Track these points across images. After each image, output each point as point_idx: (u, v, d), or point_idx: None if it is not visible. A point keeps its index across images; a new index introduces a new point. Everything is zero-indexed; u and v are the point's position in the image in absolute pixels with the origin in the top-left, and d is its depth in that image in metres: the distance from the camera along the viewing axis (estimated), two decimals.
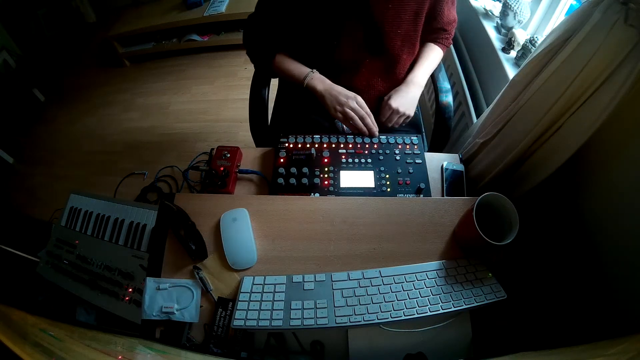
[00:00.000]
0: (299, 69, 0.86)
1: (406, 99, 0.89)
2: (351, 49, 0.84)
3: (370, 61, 0.86)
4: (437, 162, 0.83)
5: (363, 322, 0.57)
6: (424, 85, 0.92)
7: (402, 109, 0.88)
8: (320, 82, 0.84)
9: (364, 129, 0.83)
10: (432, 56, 0.94)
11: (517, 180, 0.77)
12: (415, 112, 0.99)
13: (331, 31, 0.81)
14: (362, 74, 0.88)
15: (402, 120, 0.89)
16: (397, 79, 0.92)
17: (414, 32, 0.85)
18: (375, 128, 0.83)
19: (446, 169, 0.81)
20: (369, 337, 0.60)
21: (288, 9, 0.81)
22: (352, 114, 0.81)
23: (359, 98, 0.83)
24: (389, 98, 0.89)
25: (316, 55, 0.86)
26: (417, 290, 0.60)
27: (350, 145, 0.82)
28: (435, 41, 0.95)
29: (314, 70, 0.85)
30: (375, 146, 0.82)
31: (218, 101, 2.05)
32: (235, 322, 0.57)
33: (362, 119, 0.82)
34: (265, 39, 0.89)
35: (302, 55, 0.87)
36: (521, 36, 1.01)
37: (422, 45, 0.93)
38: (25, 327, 0.46)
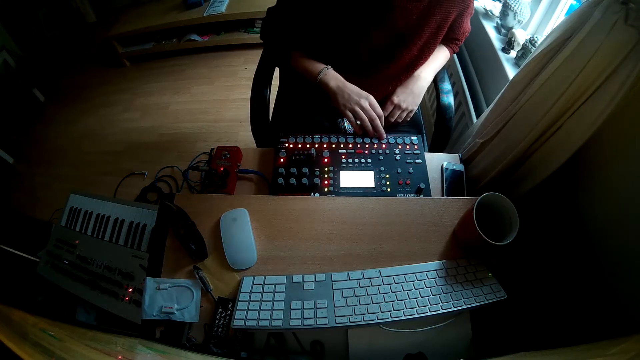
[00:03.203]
0: (313, 64, 0.85)
1: (410, 94, 0.89)
2: (368, 55, 0.84)
3: (385, 69, 0.86)
4: (437, 162, 0.83)
5: (363, 322, 0.57)
6: (430, 80, 0.92)
7: (404, 105, 0.88)
8: (333, 79, 0.83)
9: (371, 130, 0.82)
10: (440, 56, 0.94)
11: (517, 180, 0.77)
12: (415, 112, 0.99)
13: (352, 36, 0.81)
14: (374, 79, 0.88)
15: (404, 115, 0.89)
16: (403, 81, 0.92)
17: (432, 44, 0.85)
18: (383, 130, 0.83)
19: (446, 169, 0.81)
20: (369, 337, 0.60)
21: (311, 10, 0.81)
22: (362, 114, 0.81)
23: (372, 98, 0.83)
24: (393, 92, 0.89)
25: (333, 56, 0.86)
26: (417, 290, 0.60)
27: (350, 145, 0.82)
28: (446, 44, 0.95)
29: (329, 66, 0.85)
30: (375, 146, 0.82)
31: (218, 101, 2.05)
32: (235, 322, 0.57)
33: (372, 120, 0.82)
34: (285, 34, 0.89)
35: (319, 53, 0.87)
36: (521, 36, 1.01)
37: None
38: (25, 327, 0.46)
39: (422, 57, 0.87)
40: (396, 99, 0.88)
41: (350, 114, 0.82)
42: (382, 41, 0.82)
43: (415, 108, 0.90)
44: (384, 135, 0.83)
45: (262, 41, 0.95)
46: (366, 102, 0.82)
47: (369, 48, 0.83)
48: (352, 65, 0.86)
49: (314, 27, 0.83)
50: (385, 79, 0.89)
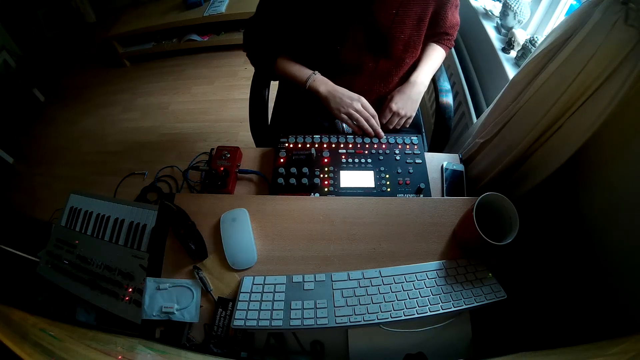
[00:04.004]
0: (301, 71, 0.85)
1: (407, 100, 0.88)
2: (355, 53, 0.83)
3: (373, 65, 0.86)
4: (437, 162, 0.83)
5: (363, 322, 0.57)
6: (427, 84, 0.91)
7: (402, 112, 0.87)
8: (322, 84, 0.83)
9: (370, 130, 0.82)
10: (435, 56, 0.93)
11: (517, 180, 0.77)
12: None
13: (334, 36, 0.81)
14: (364, 78, 0.88)
15: (403, 121, 0.89)
16: (399, 82, 0.92)
17: (417, 37, 0.85)
18: (380, 129, 0.83)
19: (446, 169, 0.81)
20: (369, 337, 0.60)
21: (290, 14, 0.81)
22: (357, 115, 0.81)
23: (363, 99, 0.83)
24: (390, 100, 0.88)
25: (318, 58, 0.86)
26: (417, 290, 0.60)
27: (350, 145, 0.82)
28: (438, 42, 0.94)
29: (316, 72, 0.84)
30: (375, 146, 0.82)
31: (218, 101, 2.05)
32: (235, 322, 0.57)
33: (367, 120, 0.82)
34: (267, 42, 0.88)
35: (304, 58, 0.87)
36: (521, 36, 1.01)
37: (425, 45, 0.93)
38: (25, 327, 0.46)
39: (409, 51, 0.86)
40: (394, 106, 0.87)
41: (345, 117, 0.82)
42: (365, 37, 0.81)
43: (414, 114, 0.90)
44: (383, 134, 0.83)
45: (245, 51, 0.93)
46: (358, 103, 0.82)
47: (352, 45, 0.82)
48: (339, 66, 0.85)
49: (296, 30, 0.83)
50: (376, 77, 0.89)
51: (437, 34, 0.92)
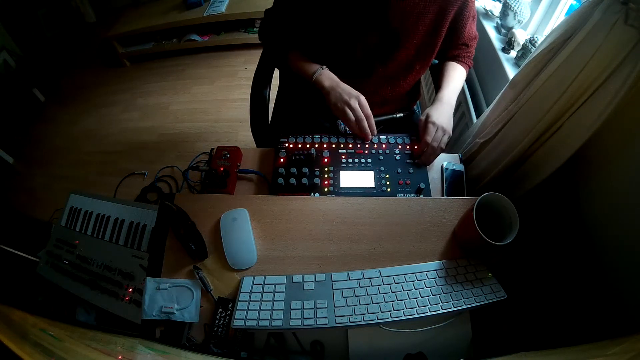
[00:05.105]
0: (310, 65, 0.86)
1: (445, 117, 0.82)
2: (366, 54, 0.83)
3: (382, 68, 0.86)
4: (437, 162, 0.83)
5: (363, 322, 0.57)
6: (454, 105, 0.86)
7: (447, 128, 0.81)
8: (327, 78, 0.83)
9: (355, 128, 0.81)
10: (457, 76, 0.90)
11: (517, 180, 0.77)
12: (415, 113, 0.99)
13: (348, 36, 0.81)
14: (372, 80, 0.88)
15: (446, 139, 0.81)
16: (405, 89, 0.92)
17: (431, 44, 0.84)
18: (369, 131, 0.81)
19: (446, 169, 0.81)
20: (369, 337, 0.60)
21: (307, 10, 0.81)
22: (350, 114, 0.79)
23: (362, 97, 0.81)
24: (430, 116, 0.81)
25: (330, 57, 0.86)
26: (417, 290, 0.60)
27: (350, 145, 0.82)
28: (458, 60, 0.92)
29: (324, 66, 0.85)
30: (375, 146, 0.82)
31: (218, 101, 2.05)
32: (235, 322, 0.57)
33: (359, 120, 0.80)
34: (282, 36, 0.90)
35: (316, 55, 0.87)
36: (521, 36, 1.01)
37: (445, 64, 0.92)
38: (25, 327, 0.46)
39: (420, 57, 0.86)
40: (437, 120, 0.80)
41: (340, 114, 0.81)
42: (376, 39, 0.81)
43: (451, 130, 0.82)
44: (369, 137, 0.82)
45: (260, 42, 0.96)
46: (355, 102, 0.80)
47: (363, 47, 0.82)
48: (348, 65, 0.86)
49: (310, 27, 0.84)
50: (383, 79, 0.89)
51: (456, 46, 0.91)
